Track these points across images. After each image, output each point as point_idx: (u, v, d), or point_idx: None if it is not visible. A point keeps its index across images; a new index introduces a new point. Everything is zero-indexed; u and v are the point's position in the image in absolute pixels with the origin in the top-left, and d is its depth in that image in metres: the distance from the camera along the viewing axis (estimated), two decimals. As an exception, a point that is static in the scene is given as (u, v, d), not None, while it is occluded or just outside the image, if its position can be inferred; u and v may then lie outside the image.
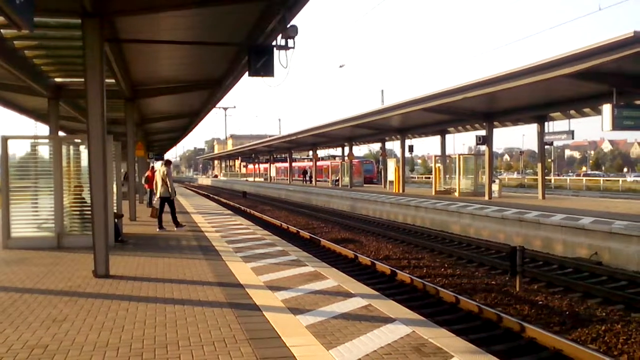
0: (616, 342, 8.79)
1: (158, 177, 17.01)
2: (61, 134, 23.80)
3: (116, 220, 13.66)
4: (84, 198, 12.90)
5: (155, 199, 17.34)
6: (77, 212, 13.13)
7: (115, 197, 14.55)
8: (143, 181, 27.46)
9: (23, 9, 4.48)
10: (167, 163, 17.78)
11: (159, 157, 63.54)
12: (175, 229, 16.76)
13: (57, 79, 17.64)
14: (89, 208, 10.18)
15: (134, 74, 17.51)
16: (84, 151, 12.86)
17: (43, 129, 62.26)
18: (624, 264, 14.80)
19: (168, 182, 16.72)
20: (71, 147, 13.41)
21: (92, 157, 9.55)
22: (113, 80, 16.40)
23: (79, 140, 13.76)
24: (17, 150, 13.37)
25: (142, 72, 17.49)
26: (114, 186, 14.41)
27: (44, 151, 13.45)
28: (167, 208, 17.15)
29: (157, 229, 16.74)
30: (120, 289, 8.54)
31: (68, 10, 9.58)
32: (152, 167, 31.40)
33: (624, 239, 15.00)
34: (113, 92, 17.95)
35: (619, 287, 12.83)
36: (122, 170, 19.28)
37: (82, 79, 9.68)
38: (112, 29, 11.51)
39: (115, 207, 14.28)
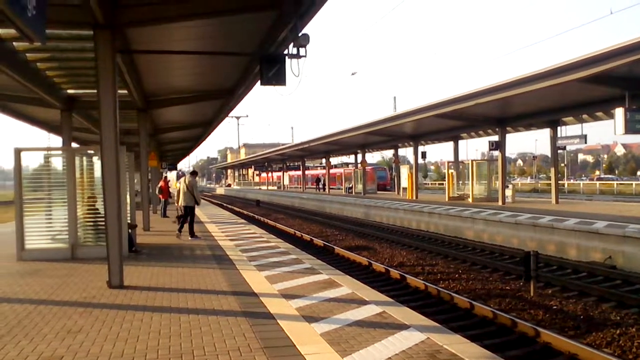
0: (631, 345, 8.73)
1: (182, 186, 17.30)
2: (74, 145, 24.02)
3: (130, 230, 13.72)
4: (97, 209, 12.98)
5: (178, 206, 17.63)
6: (91, 223, 13.21)
7: (128, 208, 14.63)
8: (157, 191, 27.64)
9: (35, 21, 4.51)
10: (194, 174, 18.38)
11: (172, 167, 63.87)
12: (190, 238, 16.89)
13: (70, 91, 17.80)
14: (103, 219, 10.22)
15: (146, 85, 17.63)
16: (97, 162, 12.95)
17: (56, 141, 62.74)
18: (639, 268, 14.66)
19: (194, 192, 17.26)
20: (84, 158, 13.51)
21: (105, 168, 9.60)
22: (125, 91, 16.51)
23: (92, 152, 13.86)
24: (31, 162, 13.45)
25: (155, 82, 17.61)
26: (128, 196, 14.49)
27: (57, 163, 13.56)
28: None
29: (177, 232, 17.32)
30: (135, 299, 8.57)
31: (80, 22, 9.65)
32: (165, 177, 31.61)
33: (638, 242, 14.87)
34: (126, 102, 18.09)
35: (633, 290, 12.74)
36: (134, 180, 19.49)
37: (95, 91, 9.74)
38: (124, 40, 11.60)
39: (128, 218, 14.35)
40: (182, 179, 17.90)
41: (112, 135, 9.55)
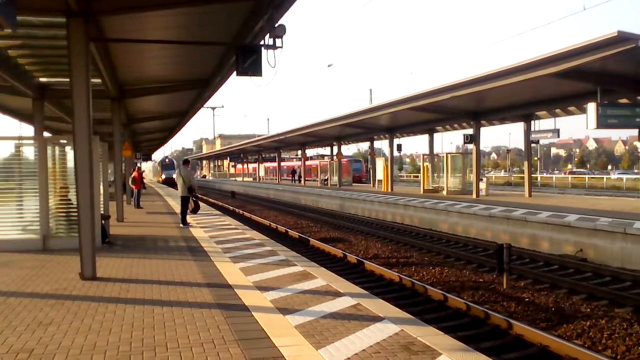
0: (600, 337, 8.90)
1: (180, 178, 17.63)
2: (46, 134, 23.63)
3: (103, 221, 13.57)
4: (70, 199, 12.79)
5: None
6: (63, 214, 13.02)
7: (102, 198, 14.46)
8: (130, 182, 27.33)
9: (5, 8, 4.43)
10: (186, 162, 18.59)
11: (147, 157, 63.16)
12: (181, 225, 17.55)
13: (42, 79, 17.48)
14: (75, 209, 10.09)
15: (120, 74, 17.39)
16: (69, 152, 12.74)
17: (28, 130, 61.72)
18: (609, 260, 14.93)
19: (192, 183, 17.59)
20: (57, 147, 13.28)
21: (78, 158, 9.46)
22: (99, 80, 16.26)
23: (65, 141, 13.64)
24: (1, 151, 13.23)
25: (129, 71, 17.38)
26: (101, 187, 14.32)
27: (29, 152, 13.31)
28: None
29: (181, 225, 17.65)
30: (108, 291, 8.49)
31: (53, 10, 9.47)
32: (139, 168, 31.29)
33: (608, 235, 15.13)
34: (99, 91, 17.83)
35: (603, 283, 12.99)
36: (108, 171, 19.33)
37: (68, 79, 9.58)
38: (97, 28, 11.41)
39: (102, 208, 14.19)
40: (178, 170, 17.96)
41: (85, 124, 9.40)
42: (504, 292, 11.86)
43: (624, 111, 18.23)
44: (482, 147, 31.24)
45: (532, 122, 27.73)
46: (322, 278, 9.36)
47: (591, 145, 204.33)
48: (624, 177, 62.50)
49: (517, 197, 28.85)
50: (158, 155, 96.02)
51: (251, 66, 10.90)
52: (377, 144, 58.17)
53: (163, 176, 71.23)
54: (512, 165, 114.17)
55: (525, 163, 30.47)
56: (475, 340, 8.59)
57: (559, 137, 28.93)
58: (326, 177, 52.93)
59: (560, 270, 14.58)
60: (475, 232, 20.82)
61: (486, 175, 54.25)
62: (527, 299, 11.24)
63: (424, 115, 29.52)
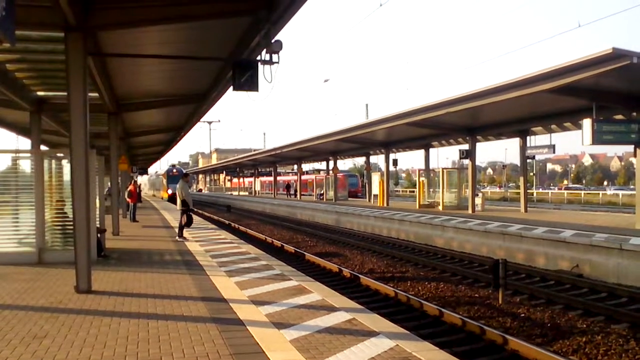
0: (597, 353, 8.88)
1: (179, 192, 17.76)
2: (43, 147, 23.66)
3: (99, 235, 13.55)
4: (66, 213, 12.77)
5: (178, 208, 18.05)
6: (59, 227, 13.00)
7: (98, 212, 14.45)
8: (126, 195, 27.28)
9: (4, 22, 4.46)
10: (185, 176, 18.80)
11: (143, 171, 62.86)
12: (177, 237, 17.68)
13: (40, 93, 17.53)
14: (71, 223, 10.08)
15: (117, 88, 17.45)
16: (66, 165, 12.76)
17: (25, 143, 61.55)
18: (604, 276, 14.93)
19: (185, 197, 17.53)
20: (53, 161, 13.29)
21: (74, 172, 9.48)
22: (96, 94, 16.31)
23: (62, 155, 13.65)
24: (-2, 164, 13.23)
25: (126, 85, 17.44)
26: (97, 200, 14.32)
27: (26, 165, 13.33)
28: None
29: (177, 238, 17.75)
30: (103, 304, 8.47)
31: (51, 24, 9.53)
32: (135, 181, 31.26)
33: (604, 251, 15.14)
34: (96, 105, 17.87)
35: (599, 299, 12.97)
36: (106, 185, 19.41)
37: (65, 93, 9.63)
38: (95, 42, 11.49)
39: (98, 222, 14.17)
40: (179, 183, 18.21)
41: (82, 138, 9.43)
42: (500, 307, 11.85)
43: (619, 127, 18.34)
44: (477, 163, 31.34)
45: (528, 137, 27.85)
46: (317, 293, 9.36)
47: (587, 161, 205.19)
48: (620, 192, 62.63)
49: (513, 213, 28.87)
50: (154, 169, 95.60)
51: (247, 81, 10.97)
52: (373, 158, 58.31)
53: (169, 191, 57.86)
54: (507, 181, 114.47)
55: (521, 178, 30.52)
56: (470, 355, 8.59)
57: (554, 152, 29.07)
58: (322, 192, 52.88)
59: (556, 285, 14.58)
60: (471, 247, 20.81)
61: (482, 190, 54.35)
62: (522, 315, 11.24)
63: (420, 131, 29.61)
